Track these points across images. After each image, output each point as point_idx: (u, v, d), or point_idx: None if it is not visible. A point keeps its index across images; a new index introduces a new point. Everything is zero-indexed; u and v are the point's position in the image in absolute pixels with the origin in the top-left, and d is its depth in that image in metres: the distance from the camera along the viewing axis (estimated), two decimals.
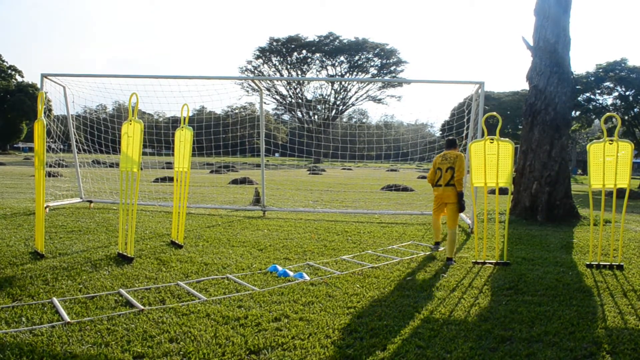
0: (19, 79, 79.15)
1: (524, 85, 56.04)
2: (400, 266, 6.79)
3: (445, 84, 12.38)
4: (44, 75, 11.40)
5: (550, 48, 11.99)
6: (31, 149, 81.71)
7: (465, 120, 12.14)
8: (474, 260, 7.10)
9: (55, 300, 4.84)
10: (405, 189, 21.07)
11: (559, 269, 6.77)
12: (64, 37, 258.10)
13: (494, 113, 7.24)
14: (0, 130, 76.45)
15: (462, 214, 11.36)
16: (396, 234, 9.57)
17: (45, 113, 7.02)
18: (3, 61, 79.56)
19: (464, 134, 12.28)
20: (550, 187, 11.70)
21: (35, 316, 4.41)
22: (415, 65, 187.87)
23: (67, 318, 4.34)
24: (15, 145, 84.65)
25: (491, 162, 6.98)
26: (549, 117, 11.88)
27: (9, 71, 79.31)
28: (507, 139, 7.04)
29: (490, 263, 6.96)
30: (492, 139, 6.96)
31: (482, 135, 7.51)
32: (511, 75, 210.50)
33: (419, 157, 17.28)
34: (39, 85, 13.12)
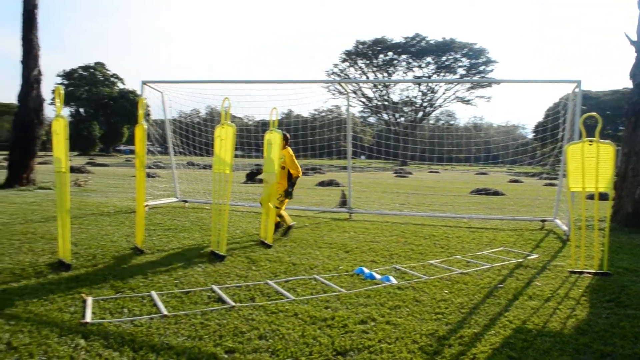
0: (121, 86, 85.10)
1: (626, 83, 52.40)
2: (491, 273, 6.55)
3: (539, 84, 11.84)
4: (144, 82, 12.15)
5: None
6: (131, 151, 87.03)
7: (560, 121, 11.51)
8: (570, 269, 6.71)
9: (153, 293, 5.12)
10: (495, 193, 20.31)
11: None
12: (160, 47, 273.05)
13: (593, 113, 6.81)
14: (104, 134, 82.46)
15: (557, 220, 10.80)
16: (486, 240, 9.25)
17: (144, 117, 7.45)
18: (107, 70, 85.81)
19: (559, 136, 11.67)
20: None
21: (136, 308, 4.69)
22: (506, 65, 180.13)
23: (164, 311, 4.58)
24: (117, 148, 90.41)
25: (590, 166, 6.57)
26: None
27: (112, 79, 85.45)
28: (607, 140, 6.61)
29: (588, 273, 6.54)
30: (591, 141, 6.56)
31: (580, 136, 7.09)
32: (611, 72, 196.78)
33: (511, 160, 16.60)
34: (139, 92, 13.95)
